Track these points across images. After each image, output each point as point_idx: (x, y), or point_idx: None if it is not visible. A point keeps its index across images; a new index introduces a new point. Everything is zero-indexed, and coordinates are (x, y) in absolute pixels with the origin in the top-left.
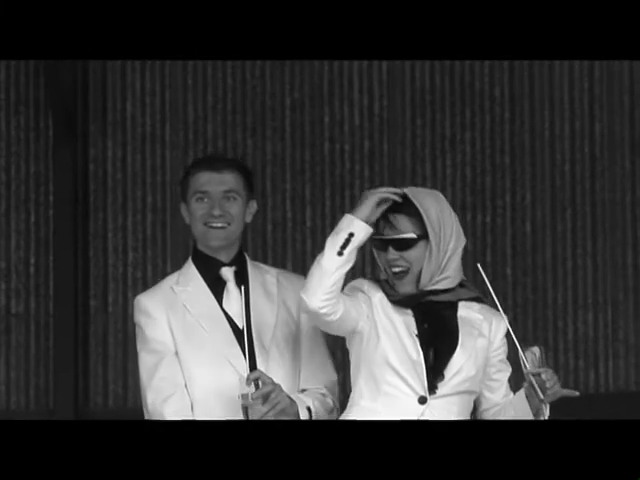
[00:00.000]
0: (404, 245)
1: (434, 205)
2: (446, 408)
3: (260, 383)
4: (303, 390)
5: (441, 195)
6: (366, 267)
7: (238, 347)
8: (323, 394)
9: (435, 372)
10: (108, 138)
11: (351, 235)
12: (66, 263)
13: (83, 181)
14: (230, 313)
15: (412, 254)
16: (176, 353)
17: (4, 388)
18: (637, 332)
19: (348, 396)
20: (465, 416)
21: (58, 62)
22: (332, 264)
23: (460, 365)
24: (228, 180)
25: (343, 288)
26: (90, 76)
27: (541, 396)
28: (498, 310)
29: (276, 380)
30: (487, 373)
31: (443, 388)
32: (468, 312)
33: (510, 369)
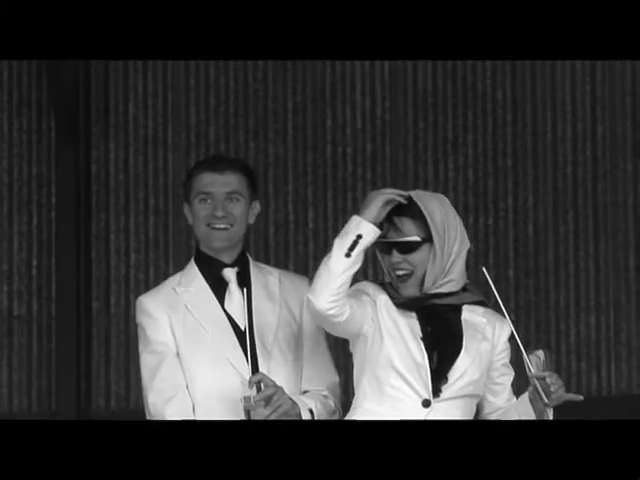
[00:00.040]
0: (408, 248)
1: (438, 208)
2: (449, 411)
3: (262, 386)
4: (305, 391)
5: (445, 198)
6: (368, 268)
7: (240, 348)
8: (325, 396)
9: (439, 375)
10: (110, 140)
11: (359, 237)
12: (68, 265)
13: (85, 183)
14: (232, 314)
15: (416, 257)
16: (178, 354)
17: (6, 390)
18: (639, 335)
19: (350, 398)
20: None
21: (60, 63)
22: (340, 265)
23: (464, 368)
24: (231, 181)
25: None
26: (92, 77)
27: (545, 400)
28: (502, 314)
29: (278, 381)
30: (490, 377)
31: (447, 391)
32: (472, 316)
33: (513, 373)
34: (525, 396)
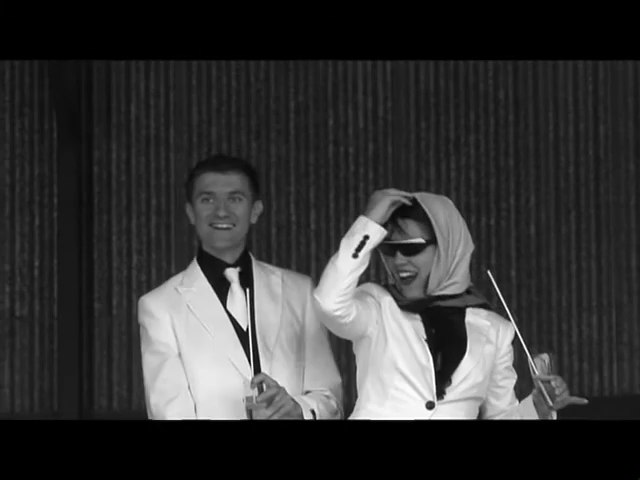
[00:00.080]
0: (412, 250)
1: (443, 210)
2: (453, 413)
3: (264, 386)
4: (307, 392)
5: (449, 201)
6: (370, 269)
7: (242, 349)
8: (327, 396)
9: (443, 377)
10: (112, 140)
11: (366, 237)
12: (70, 266)
13: (87, 183)
14: (234, 314)
15: (420, 259)
16: (179, 354)
17: (8, 391)
18: None
19: (352, 400)
20: None
21: (62, 64)
22: (347, 266)
23: (468, 371)
24: (233, 181)
25: None
26: (94, 78)
27: (550, 403)
28: (507, 316)
29: (280, 382)
30: (493, 380)
31: (451, 394)
32: (476, 319)
33: (516, 376)
34: (529, 399)
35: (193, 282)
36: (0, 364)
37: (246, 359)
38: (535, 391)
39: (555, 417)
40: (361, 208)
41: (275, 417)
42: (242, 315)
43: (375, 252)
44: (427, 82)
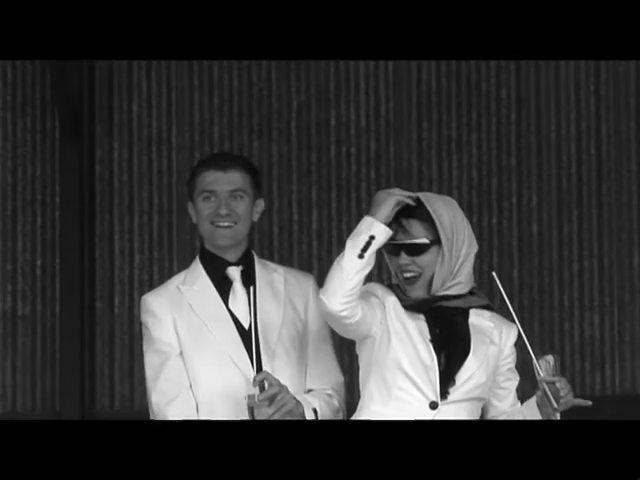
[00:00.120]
0: (416, 250)
1: (447, 210)
2: (456, 414)
3: (266, 385)
4: (309, 390)
5: (454, 201)
6: (373, 269)
7: (243, 348)
8: (329, 395)
9: (447, 377)
10: (114, 139)
11: (372, 237)
12: (72, 265)
13: (89, 182)
14: (236, 313)
15: (424, 259)
16: (181, 353)
17: (10, 390)
18: None
19: (354, 399)
20: None
21: (64, 63)
22: (353, 266)
23: (472, 371)
24: (235, 179)
25: None
26: (96, 77)
27: (555, 405)
28: (510, 318)
29: (282, 380)
30: (496, 381)
31: (454, 394)
32: (479, 320)
33: (518, 378)
34: (532, 400)
35: (195, 280)
36: (2, 363)
37: (248, 358)
38: (539, 393)
39: (559, 418)
40: (363, 207)
41: (277, 415)
42: (244, 313)
43: (378, 252)
44: (429, 81)
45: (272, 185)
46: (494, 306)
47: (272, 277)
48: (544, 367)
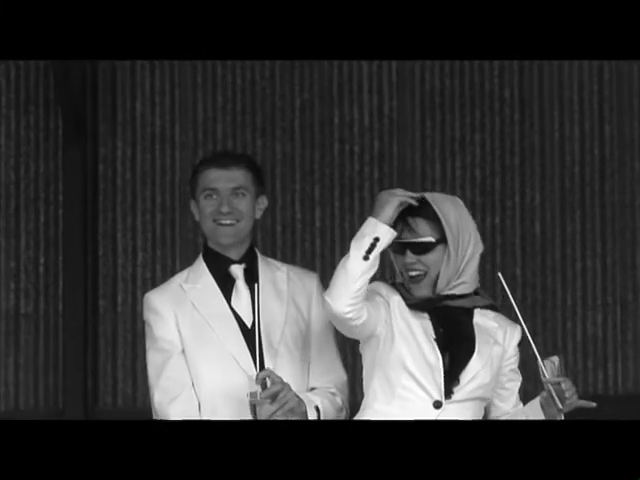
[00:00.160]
0: (422, 249)
1: (453, 210)
2: (460, 413)
3: (269, 382)
4: (313, 388)
5: (460, 201)
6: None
7: (246, 346)
8: (333, 393)
9: (451, 377)
10: (118, 138)
11: (376, 239)
12: (75, 263)
13: (92, 181)
14: (239, 311)
15: (430, 258)
16: (183, 351)
17: (13, 388)
18: None
19: (357, 398)
20: None
21: (67, 62)
22: (358, 268)
23: (476, 371)
24: (236, 177)
25: None
26: (99, 75)
27: (560, 406)
28: (517, 318)
29: (284, 378)
30: (499, 382)
31: (458, 393)
32: (484, 320)
33: (521, 378)
34: (536, 401)
35: (198, 279)
36: (5, 361)
37: (250, 356)
38: (544, 393)
39: (562, 419)
40: (366, 206)
41: (279, 413)
42: (247, 312)
43: (382, 251)
44: (432, 81)
45: (275, 183)
46: (498, 306)
47: (275, 275)
48: (549, 368)
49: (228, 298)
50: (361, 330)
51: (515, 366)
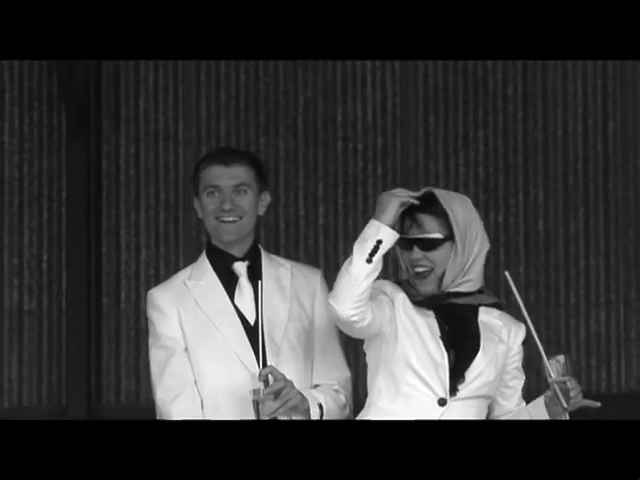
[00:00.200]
0: (429, 245)
1: (461, 207)
2: (464, 411)
3: (271, 379)
4: (316, 385)
5: (468, 200)
6: None
7: (248, 343)
8: (336, 390)
9: (456, 374)
10: (121, 134)
11: (379, 242)
12: (79, 260)
13: (96, 177)
14: (241, 309)
15: (436, 255)
16: (186, 349)
17: (16, 385)
18: None
19: (359, 395)
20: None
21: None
22: (361, 272)
23: (481, 369)
24: (238, 174)
25: None
26: (103, 72)
27: (565, 404)
28: (522, 317)
29: (287, 375)
30: (503, 380)
31: (463, 391)
32: (489, 318)
33: (524, 377)
34: (540, 400)
35: (202, 275)
36: (8, 358)
37: (253, 353)
38: (550, 392)
39: (567, 418)
40: (370, 203)
41: (282, 410)
42: (249, 309)
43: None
44: (436, 78)
45: (278, 181)
46: (502, 304)
47: (279, 272)
48: (555, 367)
49: (231, 295)
50: (366, 331)
51: (519, 364)
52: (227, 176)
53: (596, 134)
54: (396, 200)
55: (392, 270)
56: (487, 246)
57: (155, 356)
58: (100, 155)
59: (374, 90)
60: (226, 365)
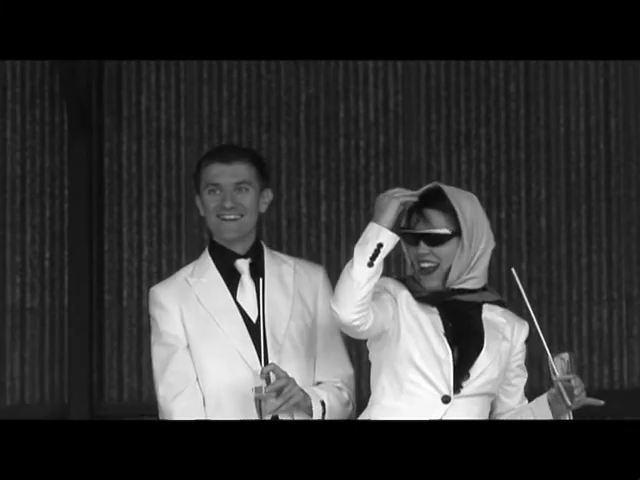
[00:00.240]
0: (436, 240)
1: (469, 204)
2: (468, 408)
3: (273, 377)
4: (319, 383)
5: (475, 197)
6: None
7: (250, 341)
8: (339, 387)
9: (460, 371)
10: (123, 132)
11: (380, 245)
12: (81, 257)
13: (98, 175)
14: (244, 306)
15: (443, 250)
16: (188, 346)
17: (19, 383)
18: None
19: (362, 393)
20: (484, 417)
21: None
22: (363, 276)
23: (485, 366)
24: (240, 171)
25: None
26: (105, 70)
27: (569, 402)
28: (526, 314)
29: (289, 373)
30: (506, 378)
31: (467, 388)
32: (492, 315)
33: (527, 375)
34: (543, 398)
35: (204, 273)
36: (10, 356)
37: (255, 351)
38: (554, 390)
39: (571, 417)
40: (372, 201)
41: (284, 408)
42: (252, 306)
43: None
44: (438, 75)
45: (281, 178)
46: (505, 302)
47: (281, 269)
48: (559, 365)
49: (233, 292)
50: (368, 334)
51: (522, 362)
52: (228, 174)
53: (598, 132)
54: (395, 201)
55: (394, 268)
56: (492, 244)
57: (157, 353)
58: (102, 153)
59: (376, 88)
60: (228, 363)
